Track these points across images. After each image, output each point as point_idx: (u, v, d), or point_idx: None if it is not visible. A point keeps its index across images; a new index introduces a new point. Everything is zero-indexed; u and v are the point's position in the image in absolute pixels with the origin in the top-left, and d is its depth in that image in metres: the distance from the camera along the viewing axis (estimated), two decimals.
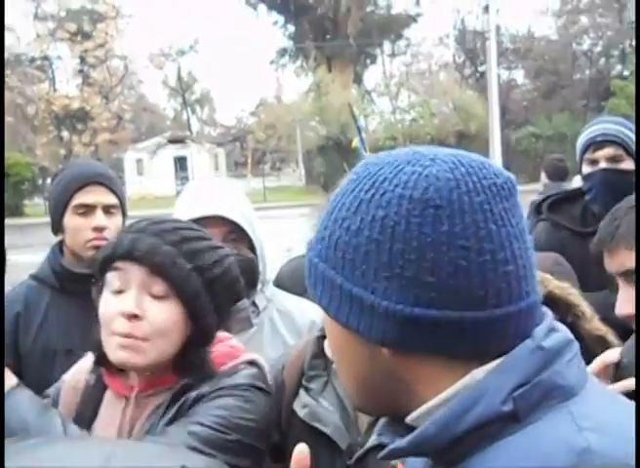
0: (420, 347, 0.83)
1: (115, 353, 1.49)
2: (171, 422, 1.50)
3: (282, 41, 52.47)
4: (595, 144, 2.89)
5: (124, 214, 2.49)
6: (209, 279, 1.51)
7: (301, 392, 1.73)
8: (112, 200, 2.41)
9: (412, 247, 0.80)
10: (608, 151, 2.86)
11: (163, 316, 1.48)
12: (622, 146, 2.85)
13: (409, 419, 0.89)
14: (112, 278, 1.51)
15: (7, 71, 35.45)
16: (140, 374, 1.58)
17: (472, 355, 0.83)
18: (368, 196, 0.84)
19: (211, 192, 2.13)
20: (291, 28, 49.51)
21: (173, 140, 44.51)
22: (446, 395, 0.84)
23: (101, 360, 1.58)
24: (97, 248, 2.28)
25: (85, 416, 1.63)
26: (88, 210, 2.37)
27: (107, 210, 2.39)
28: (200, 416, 1.47)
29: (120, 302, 1.48)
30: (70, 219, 2.38)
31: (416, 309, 0.80)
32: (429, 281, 0.80)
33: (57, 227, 2.45)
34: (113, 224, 2.39)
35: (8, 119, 33.03)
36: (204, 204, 2.04)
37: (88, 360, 1.70)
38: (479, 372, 0.83)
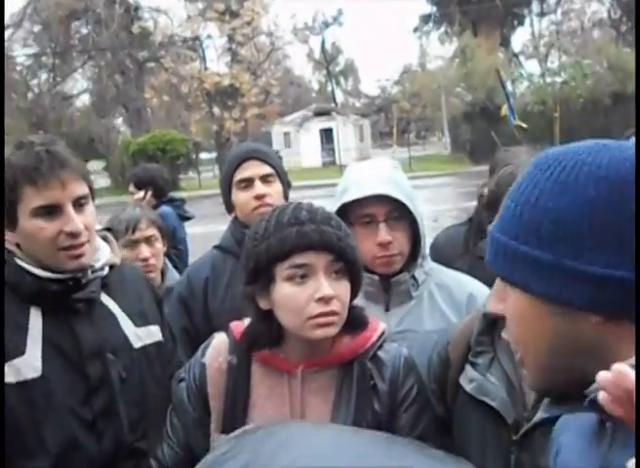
0: (625, 311, 0.89)
1: (313, 333, 1.65)
2: (358, 395, 1.68)
3: (425, 7, 51.62)
4: None
5: (284, 183, 2.72)
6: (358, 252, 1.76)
7: (468, 367, 1.76)
8: (267, 170, 2.65)
9: (627, 217, 0.89)
10: None
11: (345, 290, 1.68)
12: None
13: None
14: (295, 270, 1.65)
15: (161, 52, 37.13)
16: (307, 351, 1.71)
17: None
18: (571, 179, 0.93)
19: (375, 172, 2.19)
20: None
21: (318, 113, 45.07)
22: None
23: (257, 344, 1.74)
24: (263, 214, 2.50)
25: (239, 395, 1.73)
26: (248, 183, 2.63)
27: (265, 179, 2.64)
28: None
29: (310, 288, 1.64)
30: (236, 196, 2.67)
31: (625, 273, 0.88)
32: (632, 249, 0.88)
33: (229, 207, 2.74)
34: (273, 191, 2.64)
35: (164, 98, 34.68)
36: (368, 184, 2.10)
37: (220, 341, 1.81)
38: None
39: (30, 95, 40.35)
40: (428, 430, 1.73)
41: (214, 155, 45.02)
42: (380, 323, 1.82)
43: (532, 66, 40.52)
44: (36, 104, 36.97)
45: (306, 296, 1.63)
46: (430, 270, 2.24)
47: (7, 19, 41.73)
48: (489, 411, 1.68)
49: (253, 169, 2.63)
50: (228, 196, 2.70)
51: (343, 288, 1.67)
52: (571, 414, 1.04)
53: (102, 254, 2.07)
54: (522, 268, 0.95)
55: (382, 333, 1.78)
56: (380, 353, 1.76)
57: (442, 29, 50.68)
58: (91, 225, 1.96)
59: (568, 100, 30.53)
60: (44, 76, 42.33)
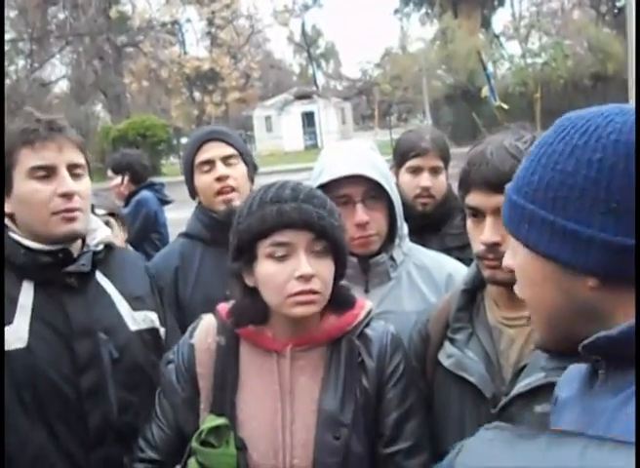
0: (628, 276, 0.91)
1: (297, 309, 1.65)
2: (346, 373, 1.71)
3: None
4: None
5: (248, 164, 2.63)
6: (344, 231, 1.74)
7: (446, 343, 1.79)
8: (229, 151, 2.56)
9: (629, 184, 0.90)
10: None
11: (326, 270, 1.68)
12: None
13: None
14: (275, 248, 1.65)
15: (140, 37, 36.78)
16: (294, 330, 1.72)
17: None
18: (581, 142, 0.94)
19: (350, 152, 2.19)
20: None
21: (299, 96, 44.89)
22: None
23: (242, 320, 1.74)
24: (225, 201, 2.51)
25: (228, 374, 1.75)
26: (210, 166, 2.54)
27: (226, 161, 2.54)
28: None
29: (290, 266, 1.64)
30: (198, 179, 2.58)
31: (630, 240, 0.90)
32: (632, 216, 0.89)
33: (192, 191, 2.66)
34: (236, 173, 2.56)
35: (144, 84, 34.41)
36: (344, 164, 2.10)
37: (208, 322, 1.82)
38: None
39: (8, 81, 39.86)
40: (415, 406, 1.75)
41: None
42: (366, 301, 1.83)
43: (513, 48, 40.58)
44: (14, 91, 36.48)
45: (286, 274, 1.63)
46: (409, 250, 2.24)
47: None
48: (467, 386, 1.71)
49: (213, 150, 2.55)
50: (191, 181, 2.62)
51: (326, 266, 1.68)
52: (569, 373, 1.06)
53: (100, 233, 2.08)
54: (527, 226, 0.98)
55: (370, 311, 1.80)
56: (368, 330, 1.77)
57: (423, 11, 50.51)
58: (85, 195, 1.96)
59: (549, 81, 30.59)
60: (21, 62, 41.79)
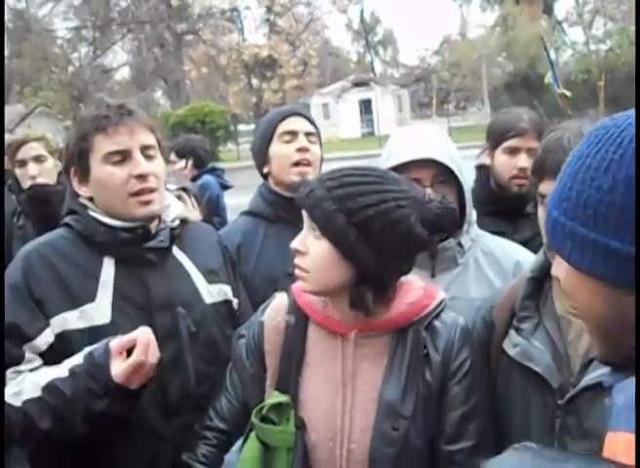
0: None
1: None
2: (410, 363, 1.68)
3: None
4: None
5: (321, 147, 2.70)
6: (359, 220, 1.59)
7: (512, 332, 1.76)
8: (312, 128, 2.65)
9: None
10: None
11: (318, 252, 1.64)
12: None
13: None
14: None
15: (200, 24, 37.12)
16: (350, 317, 1.70)
17: None
18: (617, 156, 0.90)
19: (420, 137, 2.17)
20: None
21: (357, 83, 44.74)
22: None
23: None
24: (301, 173, 2.56)
25: (294, 354, 1.75)
26: (292, 136, 2.60)
27: (308, 137, 2.62)
28: None
29: (296, 239, 1.69)
30: (277, 148, 2.62)
31: None
32: None
33: (264, 161, 2.67)
34: (315, 150, 2.62)
35: (203, 70, 34.74)
36: (414, 148, 2.08)
37: (280, 301, 1.84)
38: None
39: (71, 68, 40.72)
40: (479, 405, 1.70)
41: (252, 127, 45.06)
42: (439, 291, 1.78)
43: (576, 34, 39.67)
44: (77, 78, 37.26)
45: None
46: (476, 237, 2.21)
47: None
48: (533, 377, 1.68)
49: (298, 123, 2.62)
50: (266, 150, 2.64)
51: (315, 247, 1.64)
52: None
53: (174, 209, 2.15)
54: (570, 245, 0.96)
55: (441, 302, 1.75)
56: (437, 322, 1.72)
57: None
58: (159, 175, 2.03)
59: (613, 69, 29.77)
60: (84, 50, 42.75)
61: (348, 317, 1.71)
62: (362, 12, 43.06)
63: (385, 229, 1.59)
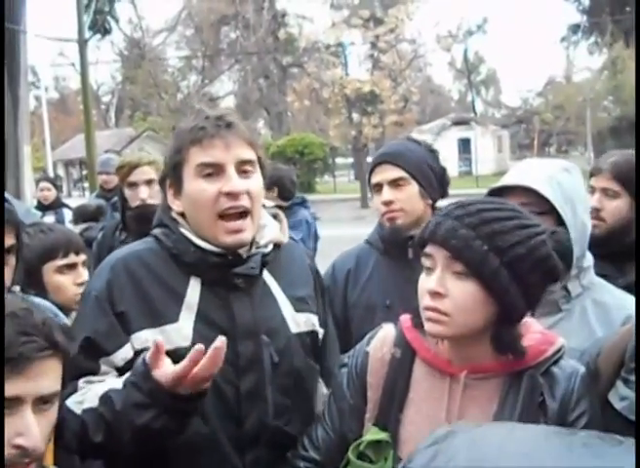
0: None
1: (426, 324, 1.61)
2: (522, 411, 1.59)
3: (575, 16, 49.90)
4: None
5: (421, 183, 2.64)
6: (510, 259, 1.53)
7: (619, 383, 1.67)
8: (396, 174, 2.61)
9: None
10: None
11: (463, 294, 1.55)
12: None
13: None
14: (424, 259, 1.62)
15: (305, 58, 37.83)
16: (462, 357, 1.64)
17: None
18: None
19: (534, 166, 2.13)
20: (585, 2, 46.85)
21: (457, 122, 44.49)
22: None
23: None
24: (389, 219, 2.62)
25: (397, 388, 1.70)
26: (378, 188, 2.65)
27: (395, 183, 2.61)
28: None
29: (428, 280, 1.59)
30: (373, 199, 2.74)
31: None
32: None
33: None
34: (403, 195, 2.62)
35: (305, 103, 35.32)
36: (519, 175, 2.04)
37: (386, 332, 1.79)
38: None
39: (180, 95, 42.24)
40: None
41: (350, 160, 45.45)
42: (558, 337, 1.70)
43: None
44: (185, 105, 38.56)
45: (423, 287, 1.61)
46: (590, 284, 2.11)
47: (161, 24, 44.01)
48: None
49: (382, 174, 2.65)
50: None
51: (459, 289, 1.55)
52: None
53: (269, 231, 2.03)
54: None
55: (560, 349, 1.67)
56: (555, 369, 1.64)
57: (591, 39, 48.82)
58: (255, 194, 1.89)
59: None
60: (193, 78, 44.29)
61: (460, 356, 1.65)
62: (466, 51, 43.06)
63: (535, 267, 1.56)
